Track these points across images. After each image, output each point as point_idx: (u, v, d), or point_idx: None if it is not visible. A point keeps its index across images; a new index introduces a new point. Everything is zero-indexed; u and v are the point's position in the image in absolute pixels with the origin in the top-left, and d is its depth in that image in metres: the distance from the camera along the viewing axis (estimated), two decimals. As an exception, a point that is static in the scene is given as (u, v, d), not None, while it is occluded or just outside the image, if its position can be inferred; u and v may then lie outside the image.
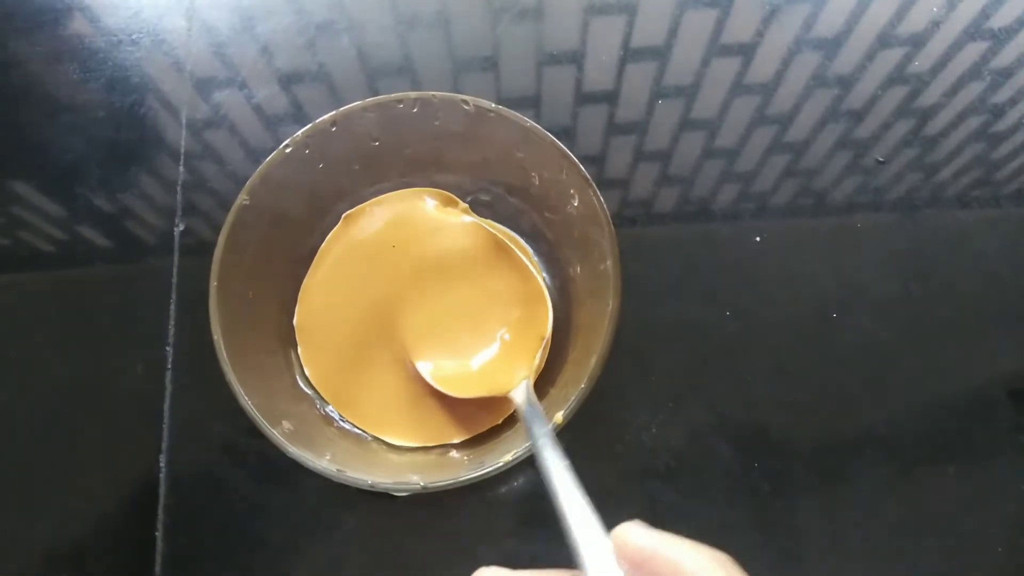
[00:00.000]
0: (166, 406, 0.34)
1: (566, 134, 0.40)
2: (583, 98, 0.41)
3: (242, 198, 0.29)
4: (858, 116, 0.40)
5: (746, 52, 0.41)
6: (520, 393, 0.28)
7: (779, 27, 0.42)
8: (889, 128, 0.40)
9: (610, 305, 0.27)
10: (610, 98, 0.41)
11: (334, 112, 0.30)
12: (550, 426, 0.25)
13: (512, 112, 0.29)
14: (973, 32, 0.42)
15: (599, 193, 0.28)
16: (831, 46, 0.42)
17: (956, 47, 0.42)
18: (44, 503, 0.33)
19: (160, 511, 0.33)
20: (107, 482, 0.33)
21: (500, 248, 0.33)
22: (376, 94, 0.40)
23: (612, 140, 0.40)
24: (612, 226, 0.28)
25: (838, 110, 0.40)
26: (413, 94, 0.30)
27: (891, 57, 0.41)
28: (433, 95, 0.30)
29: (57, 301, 0.37)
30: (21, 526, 0.33)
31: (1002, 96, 0.41)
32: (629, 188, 0.39)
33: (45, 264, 0.38)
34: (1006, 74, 0.41)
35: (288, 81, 0.41)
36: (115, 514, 0.33)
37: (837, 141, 0.40)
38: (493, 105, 0.29)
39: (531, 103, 0.41)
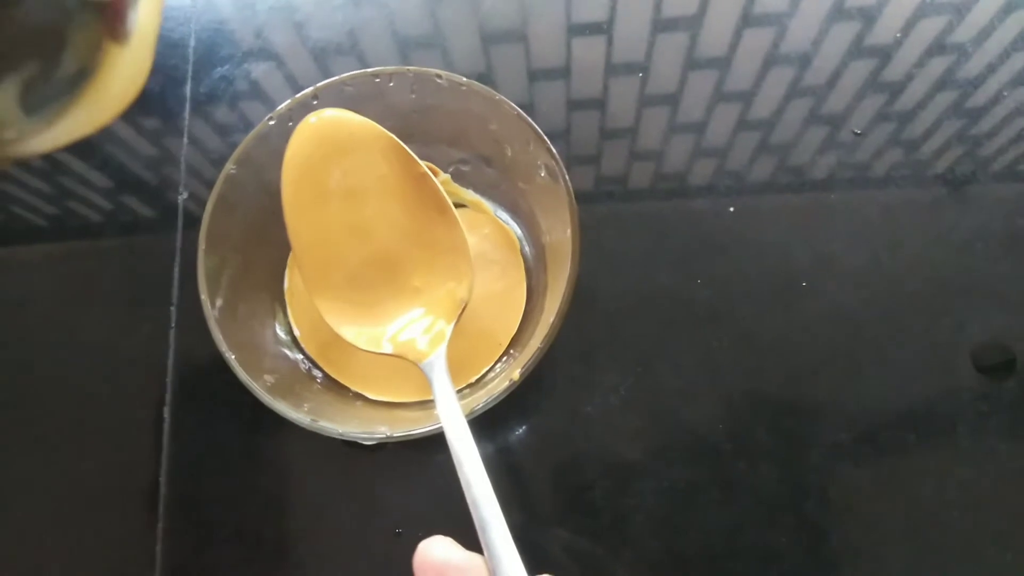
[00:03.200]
0: (170, 362, 0.37)
1: (596, 105, 0.41)
2: (613, 69, 0.42)
3: (229, 167, 0.31)
4: (822, 92, 0.41)
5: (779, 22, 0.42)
6: (432, 367, 0.28)
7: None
8: (861, 101, 0.40)
9: (568, 271, 0.28)
10: (641, 69, 0.42)
11: (315, 86, 0.31)
12: (457, 402, 0.26)
13: (482, 86, 0.31)
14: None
15: (562, 163, 0.29)
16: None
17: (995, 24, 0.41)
18: (54, 449, 0.36)
19: (164, 458, 0.35)
20: (114, 430, 0.36)
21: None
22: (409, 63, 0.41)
23: (644, 111, 0.41)
24: (572, 196, 0.29)
25: (797, 87, 0.41)
26: (389, 68, 0.31)
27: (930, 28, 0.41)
28: (408, 69, 0.31)
29: (70, 266, 0.40)
30: (31, 471, 0.36)
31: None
32: (662, 160, 0.40)
33: (59, 233, 0.41)
34: (959, 53, 0.41)
35: (288, 55, 0.43)
36: (122, 460, 0.36)
37: (807, 116, 0.40)
38: (465, 79, 0.31)
39: (561, 74, 0.42)
